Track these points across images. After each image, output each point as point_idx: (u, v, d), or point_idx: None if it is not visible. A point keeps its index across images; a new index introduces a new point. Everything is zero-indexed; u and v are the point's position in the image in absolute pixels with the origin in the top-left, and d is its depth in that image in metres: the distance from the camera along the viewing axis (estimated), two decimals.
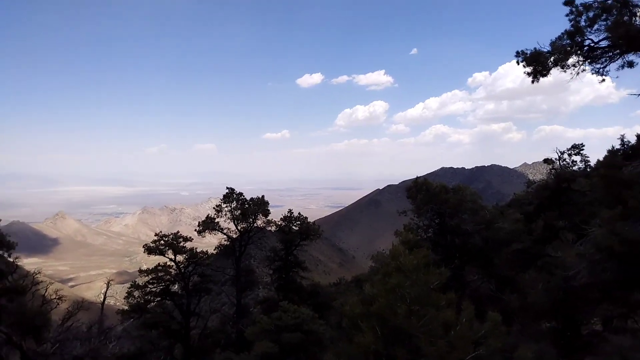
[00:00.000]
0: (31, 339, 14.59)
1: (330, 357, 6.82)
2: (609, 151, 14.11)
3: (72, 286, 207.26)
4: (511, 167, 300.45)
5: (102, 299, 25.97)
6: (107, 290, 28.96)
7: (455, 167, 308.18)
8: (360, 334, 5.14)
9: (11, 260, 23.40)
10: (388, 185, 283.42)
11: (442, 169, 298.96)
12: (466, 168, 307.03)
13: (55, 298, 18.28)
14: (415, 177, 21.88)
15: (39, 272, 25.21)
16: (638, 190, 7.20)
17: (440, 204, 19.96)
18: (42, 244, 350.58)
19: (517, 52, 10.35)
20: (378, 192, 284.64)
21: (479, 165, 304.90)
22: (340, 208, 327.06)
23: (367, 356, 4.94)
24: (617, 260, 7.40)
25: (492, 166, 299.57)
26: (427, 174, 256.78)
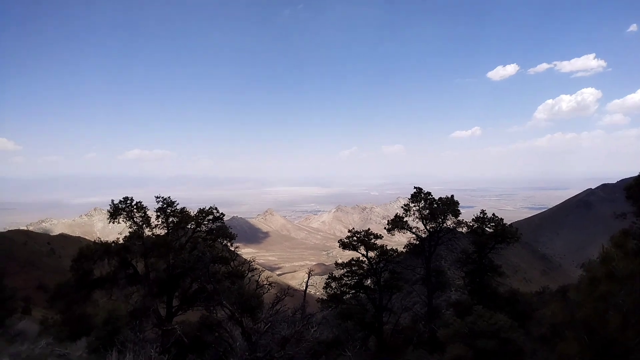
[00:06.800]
0: (249, 318, 17.17)
1: None
2: None
3: (280, 274, 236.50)
4: None
5: (304, 287, 28.94)
6: (308, 279, 32.25)
7: None
8: (563, 342, 4.72)
9: (233, 249, 28.18)
10: (602, 185, 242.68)
11: None
12: None
13: (266, 284, 21.02)
14: (638, 174, 18.46)
15: (254, 261, 29.60)
16: None
17: None
18: (255, 236, 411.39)
19: None
20: (590, 192, 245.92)
21: None
22: (543, 210, 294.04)
23: None
24: None
25: None
26: None
